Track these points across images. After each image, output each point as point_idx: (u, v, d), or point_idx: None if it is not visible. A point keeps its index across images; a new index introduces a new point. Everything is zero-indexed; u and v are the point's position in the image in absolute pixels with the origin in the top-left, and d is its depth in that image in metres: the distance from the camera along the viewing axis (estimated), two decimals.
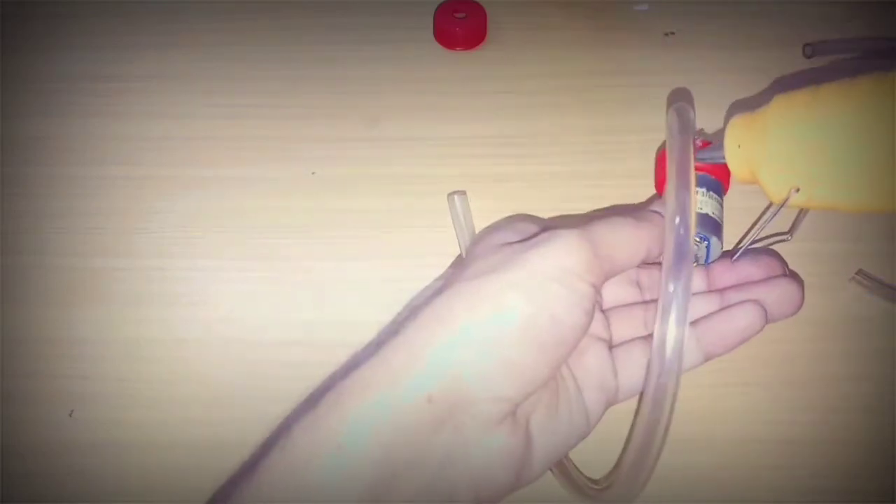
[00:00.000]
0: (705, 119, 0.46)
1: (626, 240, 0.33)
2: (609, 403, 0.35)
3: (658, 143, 0.45)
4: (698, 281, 0.38)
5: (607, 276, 0.32)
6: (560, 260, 0.30)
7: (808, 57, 0.49)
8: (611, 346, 0.35)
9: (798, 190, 0.34)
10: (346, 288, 0.41)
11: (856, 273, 0.41)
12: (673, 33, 0.50)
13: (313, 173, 0.45)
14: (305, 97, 0.48)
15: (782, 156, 0.34)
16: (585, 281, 0.30)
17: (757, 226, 0.37)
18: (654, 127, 0.46)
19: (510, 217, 0.39)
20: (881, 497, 0.37)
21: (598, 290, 0.31)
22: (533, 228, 0.34)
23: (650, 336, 0.35)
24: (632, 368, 0.35)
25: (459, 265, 0.33)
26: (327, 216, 0.44)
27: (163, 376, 0.39)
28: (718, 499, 0.36)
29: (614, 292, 0.38)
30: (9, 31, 0.50)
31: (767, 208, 0.36)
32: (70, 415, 0.38)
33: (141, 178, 0.45)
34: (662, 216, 0.34)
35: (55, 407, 0.38)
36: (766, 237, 0.39)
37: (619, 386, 0.35)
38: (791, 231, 0.39)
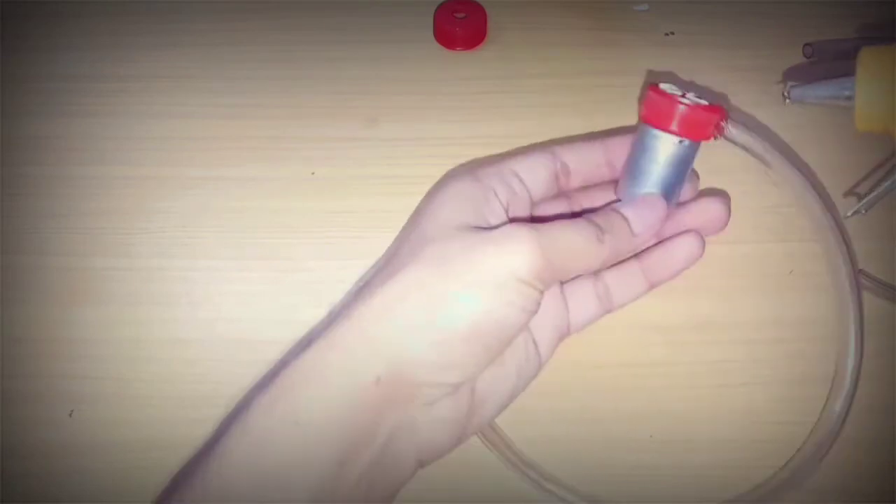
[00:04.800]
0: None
1: (584, 253, 0.33)
2: (561, 339, 0.36)
3: None
4: None
5: (557, 281, 0.33)
6: (513, 267, 0.31)
7: (808, 57, 0.49)
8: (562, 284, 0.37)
9: None
10: (346, 288, 0.41)
11: (856, 273, 0.41)
12: (673, 33, 0.50)
13: (313, 173, 0.45)
14: (305, 97, 0.48)
15: None
16: (535, 288, 0.31)
17: (884, 186, 0.33)
18: None
19: (465, 171, 0.36)
20: (881, 497, 0.37)
21: (544, 293, 0.32)
22: (490, 203, 0.34)
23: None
24: (582, 301, 0.37)
25: (410, 239, 0.33)
26: (327, 216, 0.44)
27: (163, 376, 0.39)
28: (718, 499, 0.36)
29: None
30: (9, 31, 0.50)
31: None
32: (70, 415, 0.38)
33: (141, 178, 0.45)
34: (626, 220, 0.34)
35: (55, 407, 0.38)
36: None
37: (570, 322, 0.36)
38: None
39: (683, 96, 0.35)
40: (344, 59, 0.49)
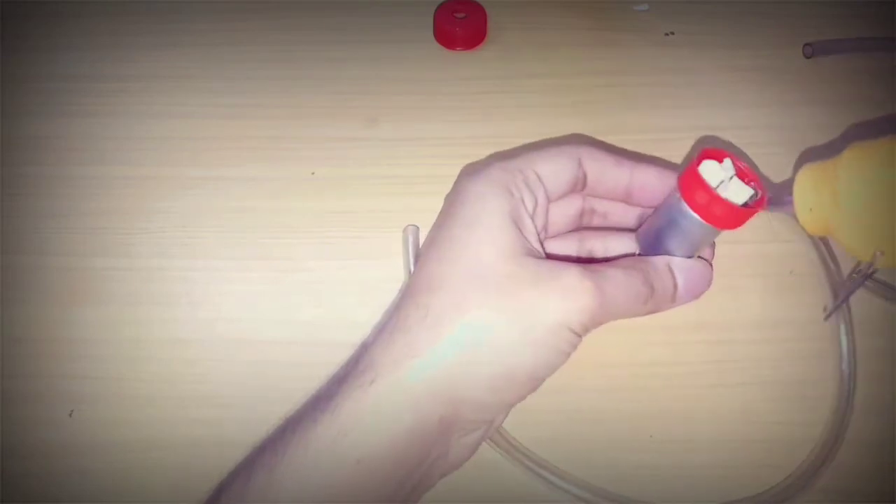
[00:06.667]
0: (705, 119, 0.46)
1: (628, 310, 0.33)
2: None
3: (657, 144, 0.45)
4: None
5: None
6: (569, 319, 0.31)
7: (808, 57, 0.49)
8: None
9: (882, 253, 0.31)
10: (346, 288, 0.41)
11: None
12: (673, 33, 0.50)
13: (313, 173, 0.45)
14: (305, 97, 0.48)
15: (858, 217, 0.31)
16: (581, 336, 0.32)
17: (849, 287, 0.36)
18: (654, 127, 0.46)
19: (496, 181, 0.34)
20: (881, 497, 0.37)
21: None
22: (523, 220, 0.33)
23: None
24: None
25: (465, 262, 0.32)
26: (327, 216, 0.44)
27: (163, 376, 0.39)
28: (718, 499, 0.36)
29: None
30: (9, 31, 0.50)
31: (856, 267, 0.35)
32: (70, 415, 0.38)
33: (141, 178, 0.45)
34: (676, 286, 0.34)
35: (55, 407, 0.38)
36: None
37: None
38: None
39: (733, 177, 0.33)
40: (344, 59, 0.49)
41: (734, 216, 0.32)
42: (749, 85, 0.48)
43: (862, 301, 0.41)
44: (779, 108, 0.47)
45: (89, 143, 0.46)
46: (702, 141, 0.46)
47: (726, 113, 0.46)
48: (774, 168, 0.44)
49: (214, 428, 0.37)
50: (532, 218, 0.34)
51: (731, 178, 0.33)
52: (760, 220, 0.42)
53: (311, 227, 0.43)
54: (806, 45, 0.49)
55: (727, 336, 0.40)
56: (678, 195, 0.33)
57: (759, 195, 0.33)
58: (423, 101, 0.48)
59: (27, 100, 0.47)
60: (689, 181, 0.33)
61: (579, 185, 0.36)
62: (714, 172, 0.33)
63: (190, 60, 0.49)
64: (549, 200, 0.36)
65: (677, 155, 0.45)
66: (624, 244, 0.37)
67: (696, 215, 0.33)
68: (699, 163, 0.33)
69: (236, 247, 0.43)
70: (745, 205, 0.32)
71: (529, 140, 0.45)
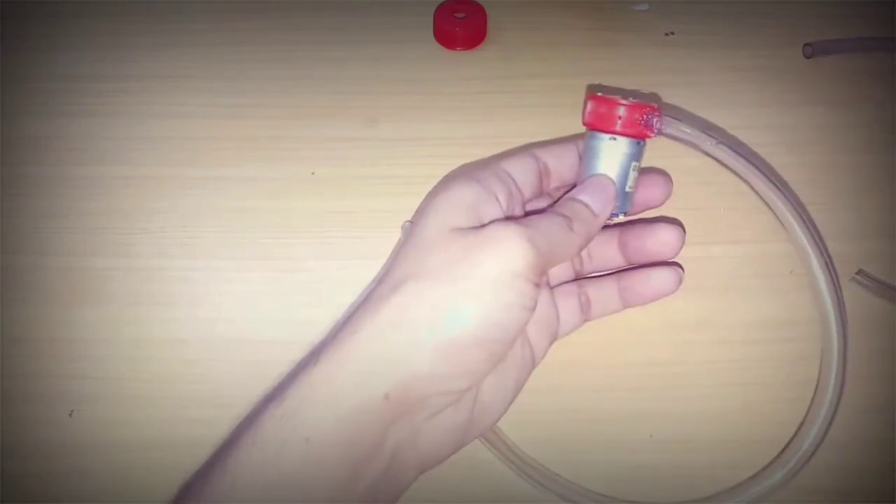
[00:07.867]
0: (705, 119, 0.46)
1: (563, 242, 0.34)
2: (551, 343, 0.37)
3: (657, 144, 0.45)
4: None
5: (545, 273, 0.34)
6: (509, 263, 0.31)
7: (808, 57, 0.49)
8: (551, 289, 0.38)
9: None
10: (346, 288, 0.41)
11: (856, 273, 0.41)
12: (673, 33, 0.50)
13: (313, 173, 0.45)
14: (305, 97, 0.48)
15: None
16: (531, 282, 0.32)
17: None
18: None
19: (465, 174, 0.36)
20: (881, 497, 0.37)
21: (539, 288, 0.33)
22: (491, 206, 0.34)
23: (579, 280, 0.39)
24: (569, 309, 0.38)
25: (411, 244, 0.34)
26: (327, 216, 0.44)
27: (163, 376, 0.39)
28: (717, 499, 0.36)
29: None
30: (9, 31, 0.50)
31: None
32: (70, 415, 0.38)
33: (141, 178, 0.45)
34: (586, 205, 0.35)
35: (55, 407, 0.38)
36: None
37: (560, 326, 0.37)
38: None
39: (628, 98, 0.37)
40: (344, 59, 0.49)
41: (629, 119, 0.36)
42: (749, 85, 0.48)
43: (862, 301, 0.41)
44: (779, 108, 0.47)
45: (89, 143, 0.46)
46: None
47: (726, 113, 0.46)
48: (775, 168, 0.44)
49: (214, 428, 0.37)
50: (504, 211, 0.35)
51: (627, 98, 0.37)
52: (760, 220, 0.42)
53: (311, 227, 0.43)
54: (806, 45, 0.49)
55: (727, 336, 0.40)
56: (587, 130, 0.37)
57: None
58: (423, 101, 0.48)
59: (27, 100, 0.47)
60: (588, 104, 0.37)
61: (545, 178, 0.38)
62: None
63: (190, 60, 0.49)
64: (523, 197, 0.36)
65: (678, 155, 0.45)
66: (604, 240, 0.39)
67: (599, 132, 0.36)
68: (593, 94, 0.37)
69: (236, 247, 0.43)
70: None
71: (529, 140, 0.46)
